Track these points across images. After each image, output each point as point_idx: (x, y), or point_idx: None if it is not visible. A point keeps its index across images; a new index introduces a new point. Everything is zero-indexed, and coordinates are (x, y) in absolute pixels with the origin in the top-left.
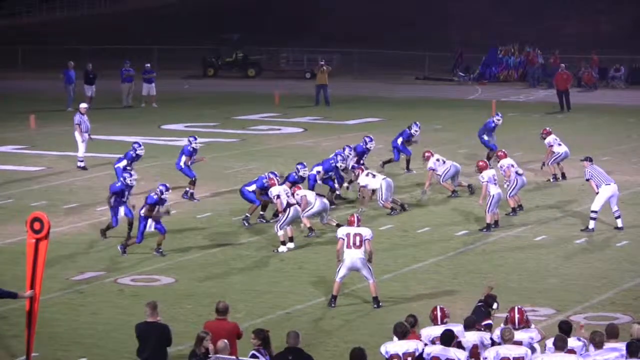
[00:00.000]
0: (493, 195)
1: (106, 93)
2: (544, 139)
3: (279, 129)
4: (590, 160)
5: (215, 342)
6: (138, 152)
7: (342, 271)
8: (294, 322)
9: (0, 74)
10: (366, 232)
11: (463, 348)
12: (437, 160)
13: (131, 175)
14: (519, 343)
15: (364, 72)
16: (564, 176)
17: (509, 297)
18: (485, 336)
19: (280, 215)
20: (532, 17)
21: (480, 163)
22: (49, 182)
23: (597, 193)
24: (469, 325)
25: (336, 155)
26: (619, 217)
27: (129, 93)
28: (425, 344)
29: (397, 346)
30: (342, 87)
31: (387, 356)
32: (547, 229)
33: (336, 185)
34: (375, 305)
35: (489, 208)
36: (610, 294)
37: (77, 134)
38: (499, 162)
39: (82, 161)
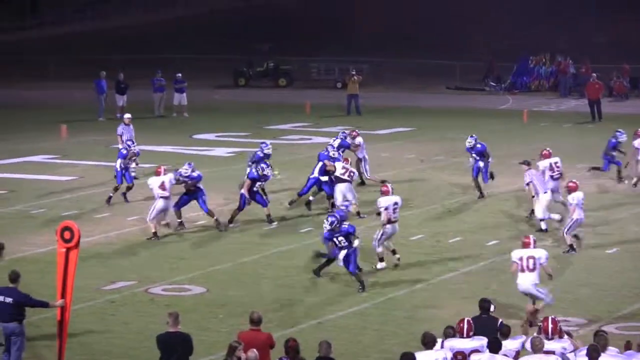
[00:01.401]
0: (576, 219)
1: (138, 103)
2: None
3: (310, 139)
4: (529, 164)
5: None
6: (265, 151)
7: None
8: (325, 332)
9: (32, 84)
10: (540, 254)
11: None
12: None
13: (267, 166)
14: (552, 353)
15: (394, 81)
16: None
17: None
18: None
19: (379, 231)
20: (564, 27)
21: (571, 184)
22: (80, 191)
23: (533, 197)
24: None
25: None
26: (543, 220)
27: (160, 103)
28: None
29: (425, 356)
30: (373, 97)
31: None
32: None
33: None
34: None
35: (567, 230)
36: None
37: (120, 145)
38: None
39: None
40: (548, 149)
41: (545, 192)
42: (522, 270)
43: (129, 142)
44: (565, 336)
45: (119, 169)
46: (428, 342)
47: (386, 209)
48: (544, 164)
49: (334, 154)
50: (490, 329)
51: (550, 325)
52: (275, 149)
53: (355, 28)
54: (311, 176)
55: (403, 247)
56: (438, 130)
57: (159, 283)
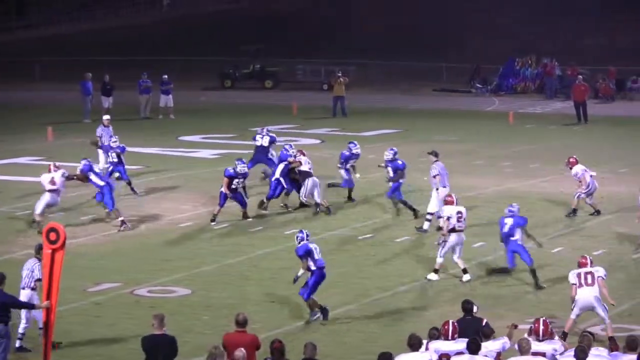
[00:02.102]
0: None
1: (124, 105)
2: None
3: (297, 140)
4: (437, 155)
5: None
6: (354, 150)
7: (576, 310)
8: (310, 334)
9: (18, 85)
10: (600, 271)
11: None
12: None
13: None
14: (542, 354)
15: (381, 83)
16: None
17: (527, 309)
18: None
19: (441, 239)
20: (550, 29)
21: (571, 159)
22: (66, 193)
23: (437, 190)
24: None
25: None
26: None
27: (146, 105)
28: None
29: (411, 357)
30: (360, 99)
31: None
32: (565, 240)
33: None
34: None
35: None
36: (628, 305)
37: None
38: (571, 168)
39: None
40: (574, 156)
41: (445, 187)
42: (581, 286)
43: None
44: (556, 337)
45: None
46: (414, 344)
47: (448, 218)
48: (577, 169)
49: (293, 152)
50: (475, 329)
51: (541, 327)
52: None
53: (342, 30)
54: (273, 178)
55: (387, 248)
56: (424, 132)
57: (144, 284)
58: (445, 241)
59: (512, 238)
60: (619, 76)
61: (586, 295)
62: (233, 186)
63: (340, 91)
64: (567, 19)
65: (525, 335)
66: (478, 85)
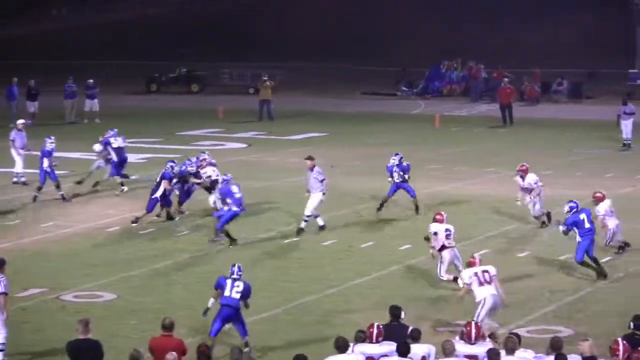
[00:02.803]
0: (612, 230)
1: (49, 109)
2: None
3: (223, 144)
4: (312, 159)
5: (161, 359)
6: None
7: (486, 310)
8: (237, 338)
9: None
10: (492, 269)
11: None
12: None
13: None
14: (474, 357)
15: (309, 87)
16: None
17: (457, 315)
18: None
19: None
20: (476, 33)
21: (598, 195)
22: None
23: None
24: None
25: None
26: (318, 216)
27: (72, 109)
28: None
29: None
30: (288, 102)
31: None
32: (491, 243)
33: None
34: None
35: (608, 242)
36: (554, 307)
37: (12, 150)
38: (596, 205)
39: (21, 176)
40: (602, 191)
41: (322, 192)
42: (481, 284)
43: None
44: (488, 339)
45: (45, 168)
46: (340, 346)
47: (435, 233)
48: (603, 206)
49: (192, 169)
50: (400, 335)
51: (473, 330)
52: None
53: (269, 34)
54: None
55: (315, 253)
56: (351, 135)
57: (71, 290)
58: (433, 256)
59: None
60: (544, 79)
61: (489, 293)
62: (170, 188)
63: (266, 95)
64: (495, 22)
65: (457, 338)
66: (404, 88)
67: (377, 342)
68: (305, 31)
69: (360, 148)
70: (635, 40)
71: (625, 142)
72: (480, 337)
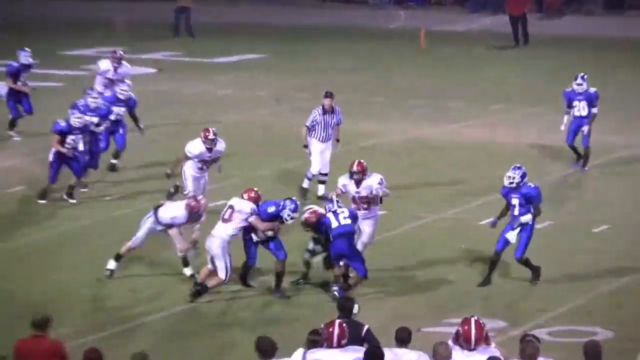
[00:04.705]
0: None
1: None
2: None
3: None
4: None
5: None
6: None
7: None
8: (144, 339)
9: None
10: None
11: None
12: None
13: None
14: None
15: None
16: None
17: (445, 311)
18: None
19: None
20: None
21: None
22: None
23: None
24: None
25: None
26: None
27: None
28: None
29: None
30: (212, 12)
31: None
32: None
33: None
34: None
35: None
36: (584, 300)
37: None
38: None
39: None
40: None
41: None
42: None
43: None
44: (493, 344)
45: None
46: (264, 350)
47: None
48: None
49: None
50: (354, 336)
51: (473, 331)
52: (75, 84)
53: None
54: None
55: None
56: (301, 57)
57: None
58: None
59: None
60: None
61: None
62: (67, 146)
63: (186, 1)
64: None
65: (450, 342)
66: None
67: (340, 346)
68: None
69: (317, 75)
70: None
71: None
72: (483, 339)
